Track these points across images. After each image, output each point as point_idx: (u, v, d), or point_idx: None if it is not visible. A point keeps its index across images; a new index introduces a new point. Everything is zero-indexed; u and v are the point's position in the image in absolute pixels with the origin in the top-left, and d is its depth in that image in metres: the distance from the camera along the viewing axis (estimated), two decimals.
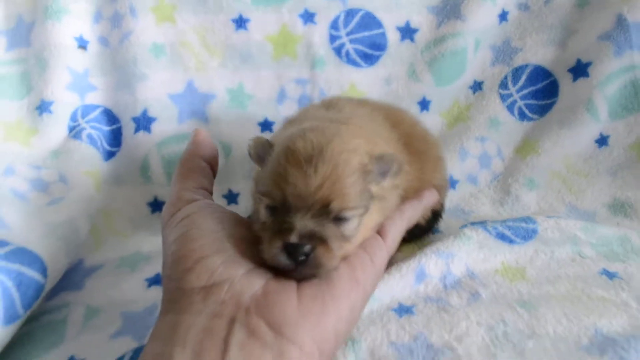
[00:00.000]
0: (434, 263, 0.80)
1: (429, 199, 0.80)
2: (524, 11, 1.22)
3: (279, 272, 0.53)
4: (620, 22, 1.13)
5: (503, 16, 1.22)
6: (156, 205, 1.06)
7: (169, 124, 1.09)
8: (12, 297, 0.68)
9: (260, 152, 0.60)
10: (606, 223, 1.02)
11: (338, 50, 1.17)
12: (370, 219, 0.61)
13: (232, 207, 1.08)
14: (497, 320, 0.68)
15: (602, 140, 1.16)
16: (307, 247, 0.52)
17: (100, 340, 0.72)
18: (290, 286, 0.52)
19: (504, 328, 0.66)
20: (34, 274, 0.71)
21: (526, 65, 1.22)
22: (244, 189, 1.11)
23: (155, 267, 0.87)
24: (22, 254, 0.72)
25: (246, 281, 0.50)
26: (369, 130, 0.68)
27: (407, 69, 1.20)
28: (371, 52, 1.18)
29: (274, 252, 0.52)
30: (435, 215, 0.92)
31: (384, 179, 0.61)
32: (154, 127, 1.07)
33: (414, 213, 0.75)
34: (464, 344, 0.64)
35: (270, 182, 0.55)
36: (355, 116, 0.73)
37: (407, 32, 1.19)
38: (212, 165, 0.68)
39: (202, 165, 0.66)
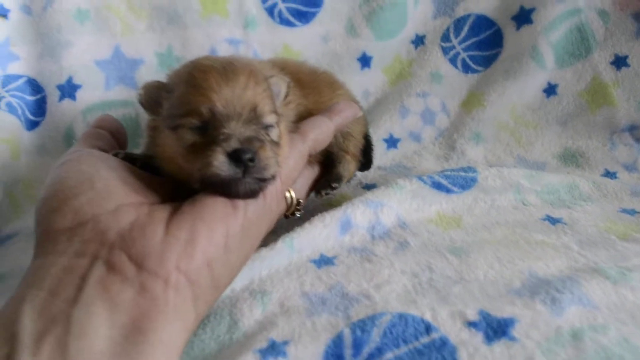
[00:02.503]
0: (362, 212, 0.75)
1: (343, 113, 0.76)
2: None
3: (221, 191, 0.52)
4: None
5: None
6: None
7: (95, 91, 1.03)
8: None
9: (154, 95, 0.58)
10: (559, 173, 0.98)
11: (270, 10, 1.11)
12: (282, 127, 0.61)
13: None
14: (423, 268, 0.64)
15: (550, 90, 1.11)
16: (251, 152, 0.51)
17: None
18: (160, 217, 0.49)
19: (429, 275, 0.63)
20: None
21: (468, 16, 1.16)
22: None
23: None
24: None
25: (113, 218, 0.47)
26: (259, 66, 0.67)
27: (345, 25, 1.14)
28: (306, 9, 1.12)
29: (218, 163, 0.50)
30: (368, 142, 0.91)
31: (278, 99, 0.62)
32: (79, 94, 1.01)
33: (320, 131, 0.70)
34: (382, 292, 0.60)
35: (190, 98, 0.54)
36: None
37: None
38: (115, 134, 0.69)
39: (99, 132, 0.67)
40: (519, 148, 1.07)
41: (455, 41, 1.17)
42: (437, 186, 0.82)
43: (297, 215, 0.69)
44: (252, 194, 0.53)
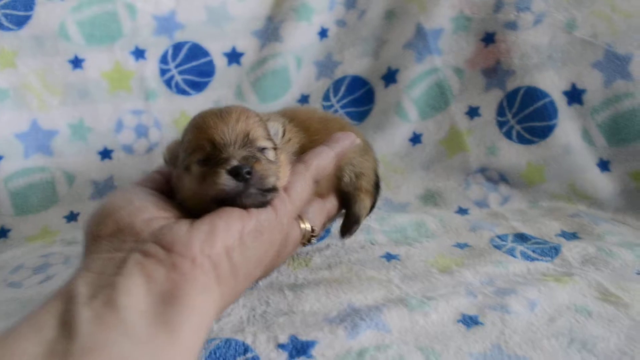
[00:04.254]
0: None
1: (341, 142, 0.79)
2: (342, 27, 1.31)
3: (231, 205, 0.60)
4: (419, 30, 1.23)
5: (323, 33, 1.30)
6: (2, 233, 1.14)
7: (15, 160, 1.16)
8: None
9: (174, 151, 0.69)
10: (415, 212, 1.11)
11: (168, 83, 1.26)
12: (282, 157, 0.69)
13: (72, 225, 1.18)
14: (262, 302, 0.74)
15: (415, 139, 1.24)
16: (247, 166, 0.59)
17: None
18: (185, 221, 0.57)
19: (265, 308, 0.73)
20: None
21: (345, 77, 1.30)
22: (85, 209, 1.19)
23: None
24: None
25: (146, 224, 0.56)
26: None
27: (234, 91, 1.28)
28: (199, 79, 1.27)
29: (221, 180, 0.59)
30: (377, 182, 0.94)
31: (276, 139, 0.71)
32: (1, 164, 1.15)
33: (322, 158, 0.75)
34: (221, 322, 0.70)
35: (194, 139, 0.64)
36: None
37: (234, 56, 1.27)
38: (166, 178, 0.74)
39: (155, 177, 0.73)
40: (388, 191, 1.19)
41: (334, 100, 1.30)
42: None
43: (313, 242, 0.79)
44: (259, 205, 0.61)
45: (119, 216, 0.57)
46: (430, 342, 0.63)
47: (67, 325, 0.44)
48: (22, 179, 1.16)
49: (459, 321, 0.68)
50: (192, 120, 0.67)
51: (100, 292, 0.47)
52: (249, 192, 0.60)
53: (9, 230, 1.15)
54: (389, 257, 0.90)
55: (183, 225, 0.56)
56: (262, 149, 0.65)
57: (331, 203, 0.85)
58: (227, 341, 0.64)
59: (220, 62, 1.28)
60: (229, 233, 0.56)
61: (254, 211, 0.60)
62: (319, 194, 0.81)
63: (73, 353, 0.41)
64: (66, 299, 0.47)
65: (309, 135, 0.82)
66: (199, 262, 0.52)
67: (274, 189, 0.62)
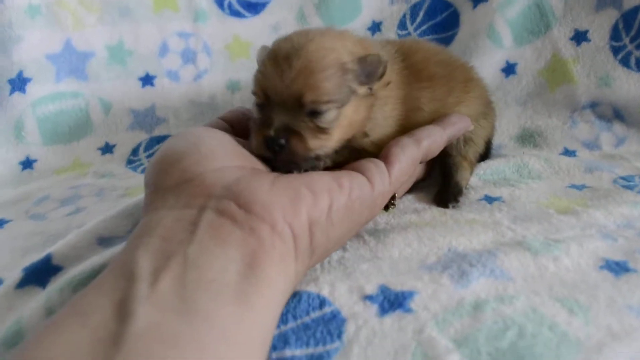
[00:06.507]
0: None
1: (456, 126, 0.70)
2: None
3: (267, 164, 0.56)
4: None
5: None
6: (27, 164, 1.01)
7: (45, 84, 1.02)
8: None
9: (259, 57, 0.62)
10: (512, 154, 0.90)
11: (220, 2, 1.11)
12: (351, 111, 0.59)
13: (106, 157, 1.04)
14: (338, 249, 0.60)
15: (509, 69, 1.04)
16: (281, 140, 0.55)
17: None
18: (264, 177, 0.50)
19: (341, 254, 0.59)
20: None
21: (424, 0, 1.11)
22: (122, 140, 1.06)
23: None
24: None
25: (219, 174, 0.49)
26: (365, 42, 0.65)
27: (295, 14, 1.12)
28: (256, 0, 1.11)
29: (257, 144, 0.56)
30: (488, 148, 0.86)
31: (371, 81, 0.60)
32: (29, 87, 1.01)
33: (434, 140, 0.65)
34: None
35: (255, 81, 0.58)
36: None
37: None
38: (234, 125, 0.67)
39: (218, 121, 0.67)
40: None
41: (411, 27, 1.11)
42: None
43: (391, 209, 0.69)
44: (291, 169, 0.56)
45: (184, 165, 0.50)
46: (570, 292, 0.49)
47: (122, 306, 0.37)
48: (52, 105, 1.02)
49: (601, 267, 0.53)
50: (269, 50, 0.59)
51: (166, 266, 0.40)
52: (280, 160, 0.56)
53: (34, 161, 1.01)
54: (490, 199, 0.72)
55: (264, 183, 0.49)
56: (315, 113, 0.56)
57: (420, 167, 0.74)
58: (297, 294, 0.50)
59: None
60: (317, 206, 0.48)
61: (345, 185, 0.52)
62: None
63: (126, 338, 0.34)
64: (123, 273, 0.40)
65: (419, 82, 0.70)
66: (279, 229, 0.45)
67: (312, 160, 0.58)
